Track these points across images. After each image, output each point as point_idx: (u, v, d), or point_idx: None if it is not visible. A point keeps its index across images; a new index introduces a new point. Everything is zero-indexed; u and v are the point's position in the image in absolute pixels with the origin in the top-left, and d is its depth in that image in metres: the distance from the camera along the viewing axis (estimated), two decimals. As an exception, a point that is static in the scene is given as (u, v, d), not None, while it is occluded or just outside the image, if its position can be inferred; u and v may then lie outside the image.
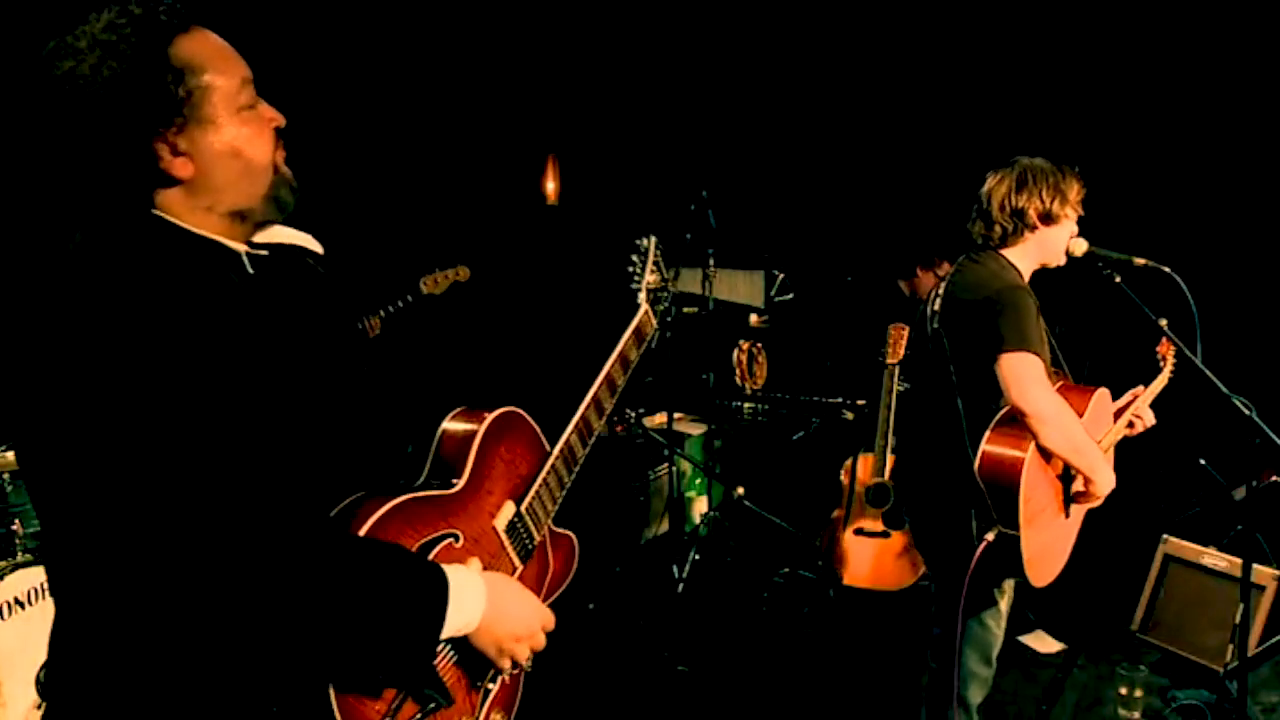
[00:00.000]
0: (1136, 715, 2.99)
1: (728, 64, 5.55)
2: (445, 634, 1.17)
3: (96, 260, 1.07)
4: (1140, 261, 2.37)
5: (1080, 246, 2.39)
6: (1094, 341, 3.40)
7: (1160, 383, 2.68)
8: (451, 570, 1.20)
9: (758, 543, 4.38)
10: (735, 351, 5.30)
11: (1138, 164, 4.57)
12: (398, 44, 4.92)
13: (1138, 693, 2.99)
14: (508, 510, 1.43)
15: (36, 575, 2.61)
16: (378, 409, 1.41)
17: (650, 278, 1.83)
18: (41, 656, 2.61)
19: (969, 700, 2.46)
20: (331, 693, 1.10)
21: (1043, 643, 3.63)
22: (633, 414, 4.29)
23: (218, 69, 1.15)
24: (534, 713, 1.60)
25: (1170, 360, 2.70)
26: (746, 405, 5.43)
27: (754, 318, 5.61)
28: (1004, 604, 2.42)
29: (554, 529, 1.56)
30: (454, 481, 1.36)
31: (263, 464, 1.07)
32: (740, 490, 4.40)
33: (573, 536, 1.61)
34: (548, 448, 1.54)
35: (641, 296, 1.81)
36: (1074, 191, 2.37)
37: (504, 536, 1.41)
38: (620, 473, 4.47)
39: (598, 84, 5.73)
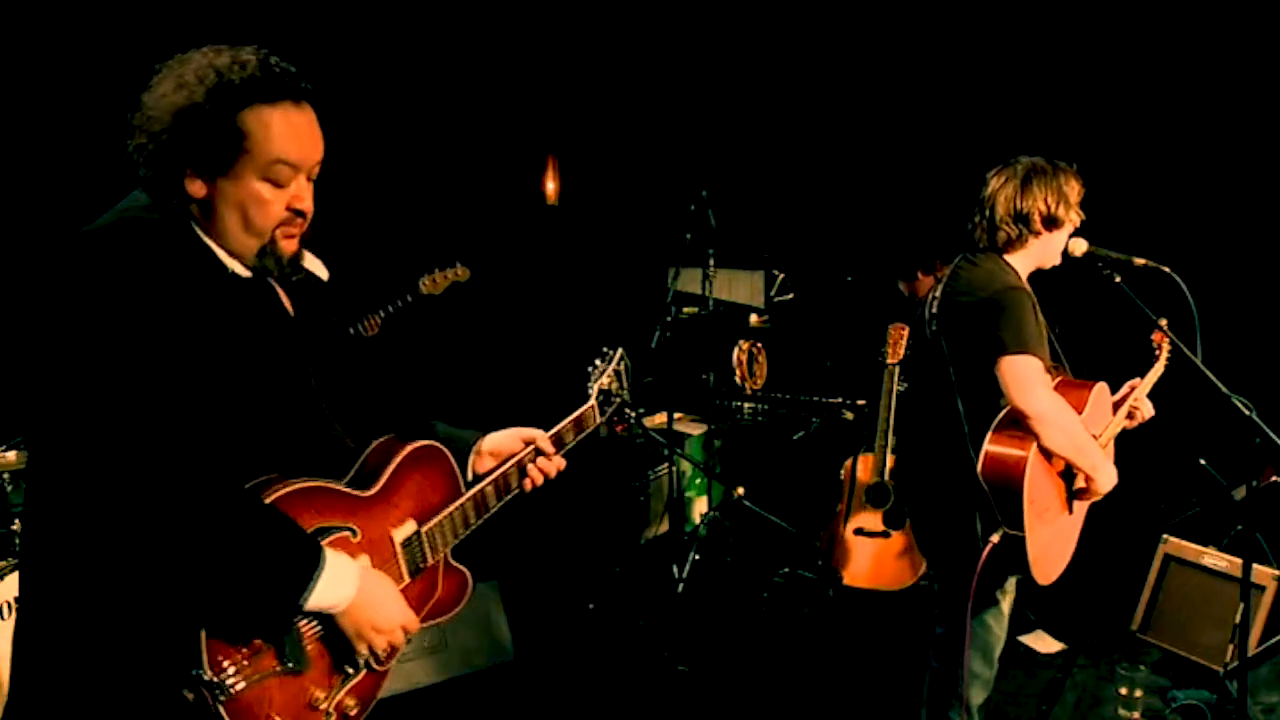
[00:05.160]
0: (1136, 715, 2.99)
1: (727, 65, 5.55)
2: (312, 604, 1.29)
3: (104, 239, 1.25)
4: (1140, 261, 2.37)
5: (1080, 246, 2.39)
6: (1093, 341, 3.39)
7: (1156, 372, 2.67)
8: (334, 554, 1.32)
9: (758, 543, 4.38)
10: (735, 351, 5.29)
11: (1137, 164, 4.56)
12: (400, 46, 4.92)
13: (1138, 693, 2.99)
14: (409, 527, 1.55)
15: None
16: (334, 414, 1.52)
17: (605, 380, 1.95)
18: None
19: (970, 701, 2.45)
20: (203, 635, 1.22)
21: (1043, 643, 3.63)
22: (633, 414, 4.28)
23: (273, 143, 1.30)
24: (535, 713, 1.60)
25: (1165, 349, 2.68)
26: (746, 405, 5.43)
27: (754, 318, 5.60)
28: (1005, 604, 2.42)
29: (451, 561, 1.67)
30: (368, 488, 1.49)
31: (191, 424, 1.21)
32: (740, 490, 4.39)
33: (468, 574, 1.71)
34: (462, 489, 1.68)
35: (592, 392, 1.92)
36: (1075, 192, 2.35)
37: (398, 547, 1.53)
38: (620, 473, 4.46)
39: (597, 85, 5.73)
